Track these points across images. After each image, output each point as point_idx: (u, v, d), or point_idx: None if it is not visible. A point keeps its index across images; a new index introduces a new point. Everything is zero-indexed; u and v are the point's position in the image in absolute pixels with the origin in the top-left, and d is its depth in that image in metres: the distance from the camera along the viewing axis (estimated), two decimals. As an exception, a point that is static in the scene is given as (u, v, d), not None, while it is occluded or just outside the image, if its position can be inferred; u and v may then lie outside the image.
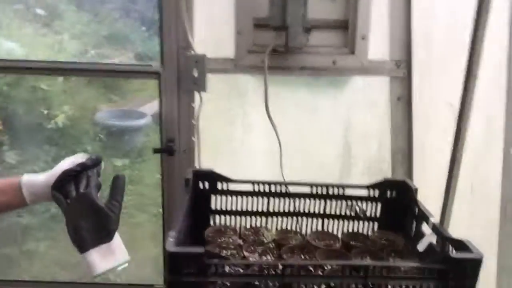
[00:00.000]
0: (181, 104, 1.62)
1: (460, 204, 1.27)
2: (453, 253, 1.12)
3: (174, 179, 1.66)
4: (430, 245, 1.27)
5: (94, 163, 0.99)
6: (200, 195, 1.44)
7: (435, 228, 1.24)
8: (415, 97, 1.61)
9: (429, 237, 1.28)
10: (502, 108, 1.52)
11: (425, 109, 1.62)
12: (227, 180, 1.44)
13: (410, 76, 1.62)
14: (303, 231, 1.49)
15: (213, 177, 1.43)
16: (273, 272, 1.01)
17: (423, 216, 1.32)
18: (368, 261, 1.29)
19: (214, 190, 1.45)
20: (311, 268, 1.10)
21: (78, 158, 1.00)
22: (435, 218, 1.27)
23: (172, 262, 0.98)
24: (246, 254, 1.32)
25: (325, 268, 1.13)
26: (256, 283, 1.01)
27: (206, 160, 1.67)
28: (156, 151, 1.64)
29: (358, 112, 1.68)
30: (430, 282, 1.04)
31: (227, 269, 1.08)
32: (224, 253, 1.32)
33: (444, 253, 1.17)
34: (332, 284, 1.03)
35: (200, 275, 0.98)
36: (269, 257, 1.30)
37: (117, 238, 0.97)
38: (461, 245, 1.10)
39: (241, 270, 1.06)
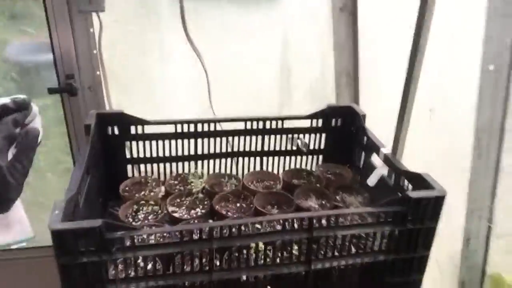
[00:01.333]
0: (76, 29, 1.29)
1: (417, 132, 1.09)
2: (410, 190, 0.97)
3: (82, 123, 1.37)
4: (382, 179, 1.11)
5: (18, 107, 0.73)
6: (110, 143, 1.18)
7: (387, 160, 1.08)
8: (360, 6, 1.36)
9: (380, 170, 1.11)
10: (482, 4, 1.19)
11: (372, 20, 1.39)
12: (142, 122, 1.17)
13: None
14: (239, 174, 1.29)
15: (124, 120, 1.16)
16: (198, 237, 0.80)
17: (373, 146, 1.15)
18: (312, 210, 1.12)
19: (127, 136, 1.18)
20: (247, 224, 0.90)
21: (6, 100, 0.75)
22: (387, 148, 1.10)
23: (59, 242, 0.74)
24: (171, 209, 1.10)
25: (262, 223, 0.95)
26: (176, 251, 0.80)
27: (118, 98, 1.39)
28: (52, 91, 1.33)
29: (295, 29, 1.43)
30: (385, 227, 0.88)
31: (143, 237, 0.86)
32: (144, 210, 1.10)
33: (401, 192, 1.02)
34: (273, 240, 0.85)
35: (101, 253, 0.75)
36: (199, 210, 1.10)
37: (17, 211, 0.78)
38: (419, 180, 0.94)
39: (162, 238, 0.85)
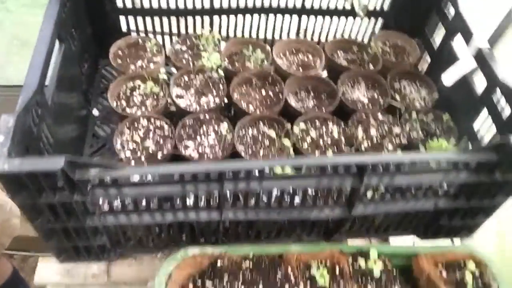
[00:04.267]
0: None
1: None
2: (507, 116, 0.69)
3: None
4: (465, 79, 0.81)
5: None
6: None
7: (480, 57, 0.75)
8: None
9: (464, 66, 0.80)
10: None
11: None
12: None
13: None
14: (267, 41, 0.98)
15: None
16: (203, 178, 0.58)
17: (462, 27, 0.81)
18: (359, 106, 0.83)
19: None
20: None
21: None
22: (483, 39, 0.76)
23: (10, 184, 0.53)
24: (176, 92, 0.84)
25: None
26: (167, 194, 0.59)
27: None
28: None
29: None
30: (461, 174, 0.63)
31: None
32: (141, 90, 0.84)
33: (493, 114, 0.72)
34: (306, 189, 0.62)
35: (71, 193, 0.55)
36: (211, 99, 0.84)
37: None
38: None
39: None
